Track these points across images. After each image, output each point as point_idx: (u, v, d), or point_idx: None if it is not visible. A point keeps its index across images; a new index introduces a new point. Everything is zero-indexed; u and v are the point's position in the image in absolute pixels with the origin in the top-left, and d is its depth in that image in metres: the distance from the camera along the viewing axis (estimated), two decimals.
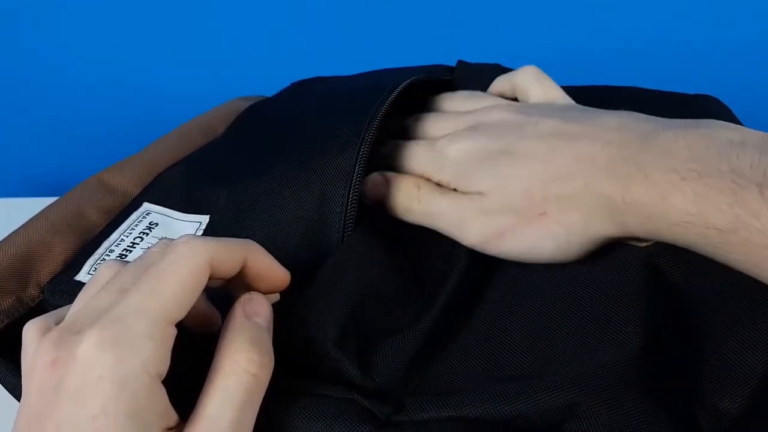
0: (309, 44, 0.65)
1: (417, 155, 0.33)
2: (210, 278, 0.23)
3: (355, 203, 0.30)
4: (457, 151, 0.31)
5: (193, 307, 0.23)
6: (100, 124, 0.69)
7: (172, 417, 0.22)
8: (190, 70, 0.66)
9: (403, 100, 0.35)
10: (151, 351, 0.21)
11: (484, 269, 0.30)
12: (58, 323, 0.26)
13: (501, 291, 0.29)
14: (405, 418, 0.25)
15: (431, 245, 0.31)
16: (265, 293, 0.26)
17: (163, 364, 0.22)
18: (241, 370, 0.22)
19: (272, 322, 0.25)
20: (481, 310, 0.28)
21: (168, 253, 0.23)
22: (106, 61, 0.66)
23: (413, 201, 0.32)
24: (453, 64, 0.43)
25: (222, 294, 0.26)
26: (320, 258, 0.29)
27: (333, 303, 0.27)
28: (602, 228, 0.27)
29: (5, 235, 0.36)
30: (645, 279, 0.27)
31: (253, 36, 0.65)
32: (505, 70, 0.39)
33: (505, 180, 0.29)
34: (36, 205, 0.39)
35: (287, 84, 0.48)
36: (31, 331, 0.25)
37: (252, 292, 0.25)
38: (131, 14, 0.64)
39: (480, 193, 0.30)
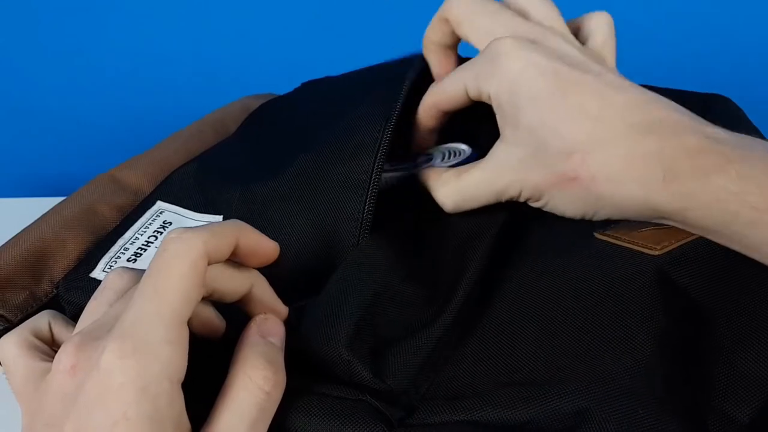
0: (319, 42, 0.65)
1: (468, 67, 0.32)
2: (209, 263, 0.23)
3: (371, 209, 0.30)
4: (519, 64, 0.29)
5: (199, 312, 0.24)
6: (109, 122, 0.70)
7: (186, 426, 0.22)
8: (201, 68, 0.67)
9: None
10: (169, 355, 0.21)
11: (496, 275, 0.30)
12: (34, 335, 0.26)
13: (512, 296, 0.29)
14: (416, 421, 0.25)
15: (444, 250, 0.31)
16: (257, 267, 0.26)
17: (182, 367, 0.22)
18: (255, 388, 0.23)
19: (285, 340, 0.25)
20: (493, 315, 0.29)
21: (162, 252, 0.22)
22: (116, 59, 0.66)
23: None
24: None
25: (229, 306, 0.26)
26: (334, 262, 0.30)
27: (346, 305, 0.27)
28: (631, 192, 0.27)
29: (6, 235, 0.36)
30: (657, 287, 0.27)
31: (264, 34, 0.65)
32: None
33: (575, 111, 0.28)
34: (36, 205, 0.39)
35: (298, 82, 0.48)
36: (7, 345, 0.25)
37: (267, 314, 0.26)
38: (143, 11, 0.64)
39: (530, 131, 0.29)
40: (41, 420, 0.22)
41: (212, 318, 0.26)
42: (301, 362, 0.26)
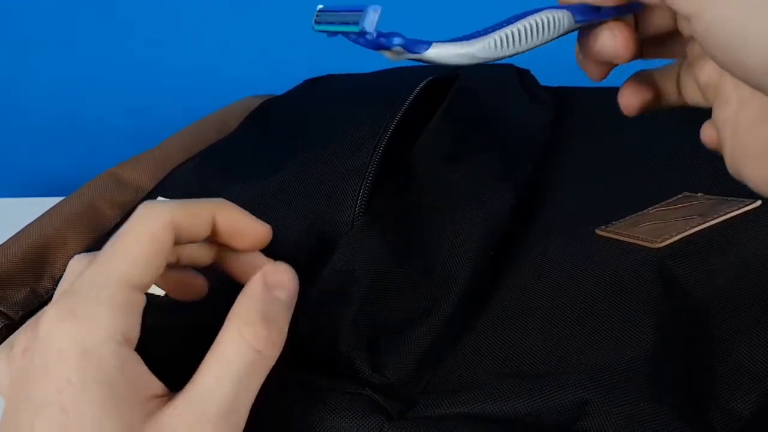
0: (320, 43, 0.65)
1: None
2: (179, 242, 0.22)
3: (366, 197, 0.30)
4: None
5: (167, 274, 0.23)
6: (110, 122, 0.70)
7: (156, 386, 0.21)
8: (203, 68, 0.67)
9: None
10: (111, 317, 0.20)
11: (496, 265, 0.30)
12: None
13: (514, 288, 0.29)
14: (416, 414, 0.25)
15: (440, 233, 0.31)
16: (249, 250, 0.24)
17: (132, 330, 0.21)
18: (245, 344, 0.21)
19: (296, 297, 0.23)
20: (494, 306, 0.29)
21: (128, 220, 0.22)
22: (118, 59, 0.67)
23: None
24: None
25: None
26: (329, 251, 0.30)
27: (342, 298, 0.27)
28: None
29: (6, 235, 0.36)
30: (657, 280, 0.27)
31: (266, 35, 0.65)
32: (520, 72, 0.39)
33: None
34: (36, 205, 0.39)
35: (299, 82, 0.48)
36: None
37: (279, 262, 0.24)
38: (144, 12, 0.64)
39: None
40: (12, 408, 0.21)
41: (187, 277, 0.25)
42: (299, 356, 0.26)
